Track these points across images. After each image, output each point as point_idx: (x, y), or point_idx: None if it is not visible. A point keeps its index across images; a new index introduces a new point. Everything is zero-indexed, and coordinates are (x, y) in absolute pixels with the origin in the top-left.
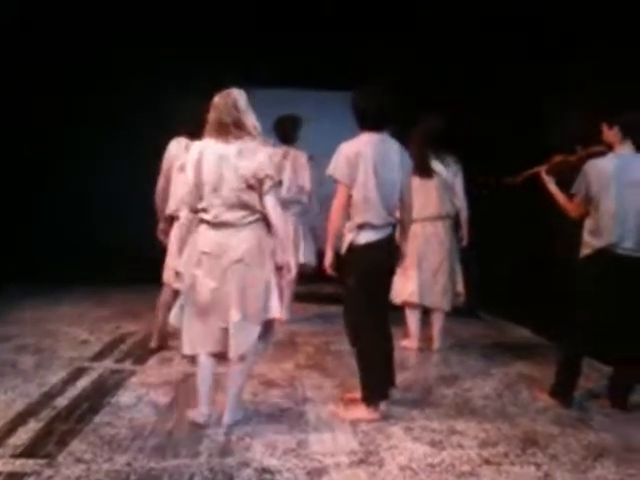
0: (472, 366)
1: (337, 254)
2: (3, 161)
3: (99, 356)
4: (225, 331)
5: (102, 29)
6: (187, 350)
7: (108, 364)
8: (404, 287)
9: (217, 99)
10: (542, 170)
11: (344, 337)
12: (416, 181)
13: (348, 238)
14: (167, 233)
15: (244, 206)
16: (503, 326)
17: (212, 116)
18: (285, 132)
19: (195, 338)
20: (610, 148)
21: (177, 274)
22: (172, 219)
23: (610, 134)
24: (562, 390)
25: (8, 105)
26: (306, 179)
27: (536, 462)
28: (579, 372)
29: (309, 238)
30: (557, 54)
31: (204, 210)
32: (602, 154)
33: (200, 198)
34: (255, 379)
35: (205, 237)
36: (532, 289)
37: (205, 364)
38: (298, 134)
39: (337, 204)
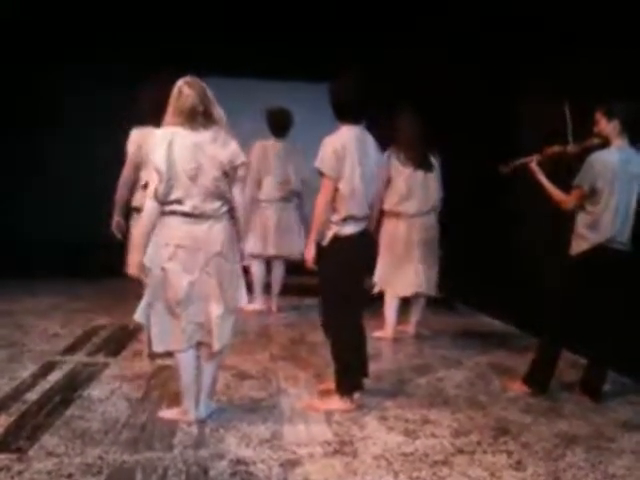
0: (444, 356)
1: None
2: None
3: (71, 349)
4: (200, 325)
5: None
6: (158, 347)
7: (80, 357)
8: (413, 279)
9: (186, 87)
10: (533, 160)
11: (318, 328)
12: (419, 174)
13: (332, 230)
14: (126, 226)
15: (220, 196)
16: (474, 316)
17: (181, 104)
18: (281, 125)
19: (167, 335)
20: (606, 140)
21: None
22: (134, 211)
23: (609, 127)
24: (538, 379)
25: None
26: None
27: (508, 450)
28: (557, 362)
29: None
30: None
31: (178, 201)
32: (599, 147)
33: (171, 188)
34: (229, 371)
35: (180, 230)
36: (505, 280)
37: (188, 361)
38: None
39: (323, 198)
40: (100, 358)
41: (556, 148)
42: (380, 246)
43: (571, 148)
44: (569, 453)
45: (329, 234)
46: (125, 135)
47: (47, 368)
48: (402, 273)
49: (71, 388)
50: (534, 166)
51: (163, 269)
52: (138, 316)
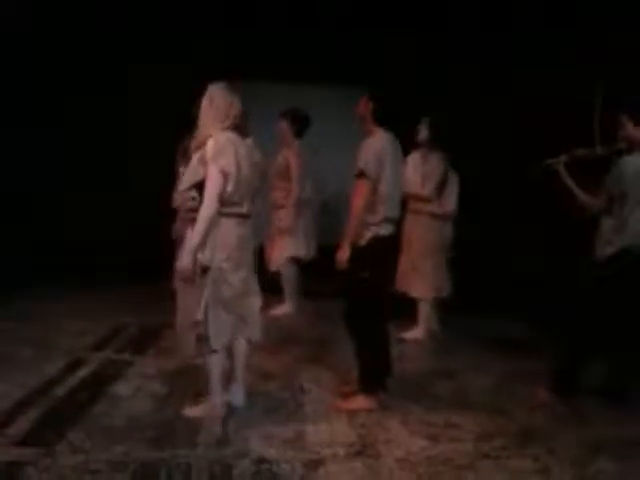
0: (469, 360)
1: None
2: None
3: (97, 346)
4: (241, 318)
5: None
6: (217, 345)
7: (106, 354)
8: (447, 280)
9: (235, 95)
10: (560, 162)
11: (341, 329)
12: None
13: (371, 231)
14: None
15: (254, 198)
16: (500, 321)
17: (234, 110)
18: (306, 127)
19: (222, 331)
20: (632, 144)
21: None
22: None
23: (636, 131)
24: (564, 384)
25: None
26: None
27: (534, 456)
28: (582, 367)
29: None
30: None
31: (238, 204)
32: (626, 151)
33: (236, 191)
34: (253, 371)
35: (236, 231)
36: (530, 285)
37: (223, 356)
38: None
39: (362, 199)
40: (126, 356)
41: (584, 150)
42: (431, 250)
43: (600, 151)
44: (597, 459)
45: (367, 234)
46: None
47: (74, 365)
48: (446, 274)
49: (97, 385)
50: (561, 168)
51: (220, 269)
52: (200, 316)
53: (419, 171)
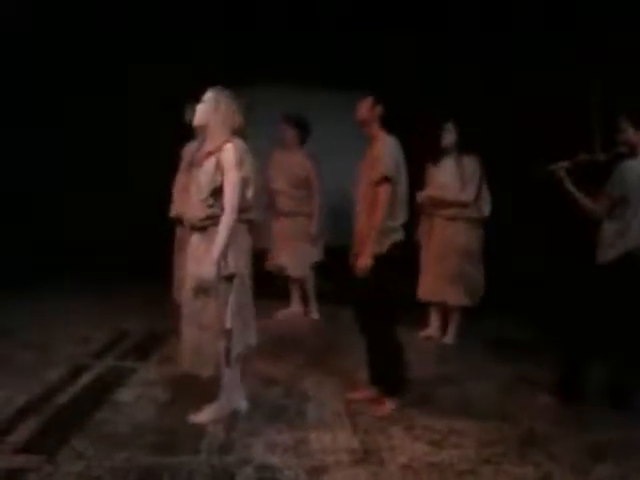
0: (472, 365)
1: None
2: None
3: (100, 353)
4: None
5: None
6: (237, 349)
7: (109, 361)
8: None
9: (237, 105)
10: (562, 168)
11: (344, 334)
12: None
13: (390, 238)
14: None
15: None
16: (502, 323)
17: (237, 120)
18: (306, 135)
19: (244, 335)
20: (632, 149)
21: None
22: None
23: (636, 136)
24: (567, 389)
25: None
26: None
27: (535, 462)
28: (586, 372)
29: None
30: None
31: (249, 210)
32: (628, 155)
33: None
34: (255, 377)
35: (248, 236)
36: (530, 286)
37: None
38: None
39: (385, 204)
40: (129, 362)
41: (586, 156)
42: (476, 255)
43: (602, 156)
44: (598, 465)
45: (387, 242)
46: None
47: (77, 371)
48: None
49: (100, 391)
50: (562, 174)
51: (242, 275)
52: (228, 324)
53: (456, 176)
